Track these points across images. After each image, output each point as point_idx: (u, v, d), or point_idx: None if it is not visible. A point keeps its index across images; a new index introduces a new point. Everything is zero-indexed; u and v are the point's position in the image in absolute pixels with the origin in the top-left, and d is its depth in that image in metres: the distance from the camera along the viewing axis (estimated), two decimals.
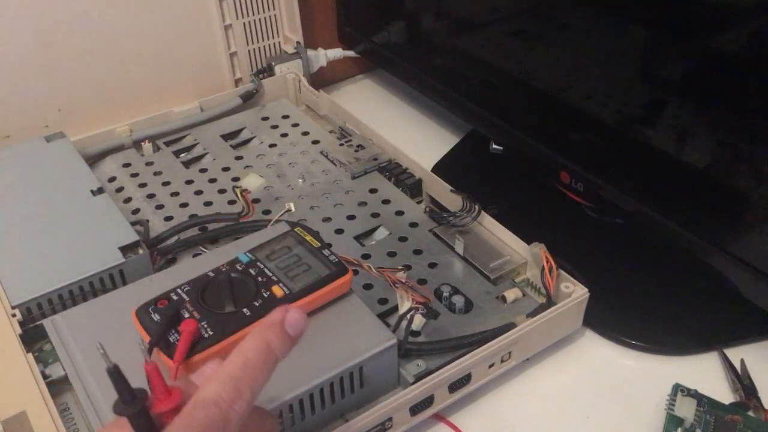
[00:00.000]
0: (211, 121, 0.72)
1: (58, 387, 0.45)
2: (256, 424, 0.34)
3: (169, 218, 0.60)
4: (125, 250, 0.51)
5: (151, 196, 0.62)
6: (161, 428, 0.30)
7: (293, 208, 0.56)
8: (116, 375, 0.30)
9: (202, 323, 0.41)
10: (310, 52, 0.79)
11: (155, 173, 0.65)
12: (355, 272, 0.50)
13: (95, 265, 0.50)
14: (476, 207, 0.56)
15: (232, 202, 0.62)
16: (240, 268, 0.44)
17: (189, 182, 0.64)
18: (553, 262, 0.50)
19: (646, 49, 0.50)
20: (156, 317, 0.41)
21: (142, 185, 0.64)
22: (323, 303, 0.45)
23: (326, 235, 0.57)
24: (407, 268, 0.53)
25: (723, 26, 0.44)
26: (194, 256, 0.55)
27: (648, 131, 0.52)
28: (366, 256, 0.55)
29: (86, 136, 0.67)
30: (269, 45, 0.78)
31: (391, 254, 0.55)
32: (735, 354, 0.51)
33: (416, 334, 0.48)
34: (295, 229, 0.48)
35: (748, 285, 0.48)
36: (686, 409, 0.46)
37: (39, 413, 0.41)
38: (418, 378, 0.45)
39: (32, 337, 0.47)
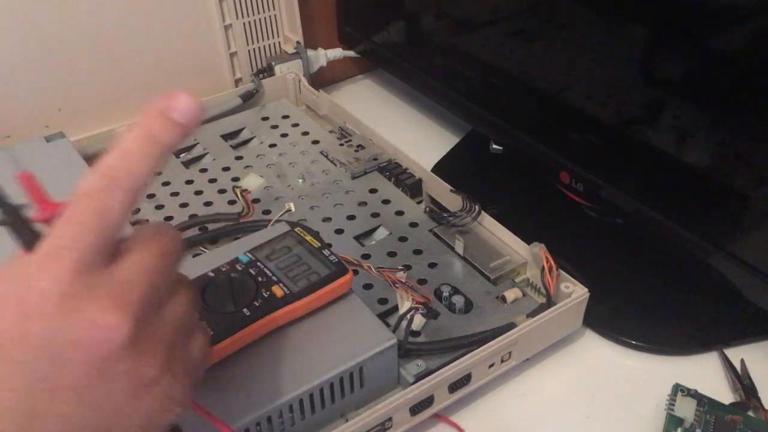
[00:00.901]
0: (211, 121, 0.72)
1: None
2: (153, 229, 0.31)
3: (169, 218, 0.60)
4: None
5: (151, 196, 0.62)
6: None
7: (293, 208, 0.56)
8: None
9: (202, 323, 0.41)
10: (310, 52, 0.79)
11: (155, 173, 0.65)
12: (355, 272, 0.50)
13: None
14: (476, 207, 0.55)
15: (232, 202, 0.62)
16: (240, 268, 0.44)
17: (189, 182, 0.64)
18: (553, 262, 0.50)
19: (646, 49, 0.50)
20: None
21: None
22: (323, 303, 0.45)
23: (326, 235, 0.57)
24: (407, 268, 0.53)
25: (723, 26, 0.44)
26: (194, 256, 0.55)
27: (648, 131, 0.52)
28: (366, 256, 0.55)
29: (86, 136, 0.67)
30: (269, 45, 0.78)
31: (391, 254, 0.55)
32: (735, 354, 0.51)
33: (416, 334, 0.48)
34: (295, 229, 0.48)
35: (749, 285, 0.48)
36: (686, 409, 0.46)
37: None
38: (418, 378, 0.45)
39: None
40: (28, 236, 0.29)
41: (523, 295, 0.52)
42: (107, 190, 0.28)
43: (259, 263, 0.45)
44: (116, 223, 0.28)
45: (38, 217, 0.29)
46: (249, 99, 0.74)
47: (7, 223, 0.28)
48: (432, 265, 0.54)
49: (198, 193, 0.63)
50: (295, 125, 0.72)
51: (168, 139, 0.30)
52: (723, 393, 0.48)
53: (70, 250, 0.27)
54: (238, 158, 0.67)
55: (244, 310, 0.42)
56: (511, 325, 0.48)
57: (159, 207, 0.61)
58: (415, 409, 0.44)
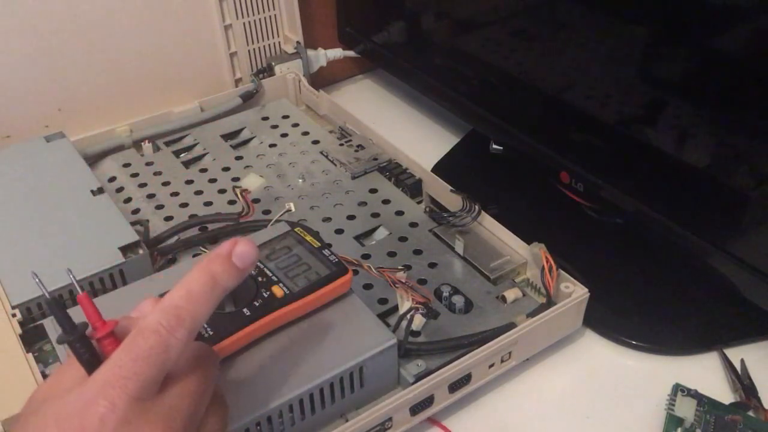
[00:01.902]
0: (211, 121, 0.72)
1: None
2: (197, 355, 0.34)
3: (169, 218, 0.60)
4: (125, 250, 0.51)
5: (151, 196, 0.62)
6: (103, 356, 0.31)
7: (293, 208, 0.56)
8: (55, 306, 0.32)
9: None
10: (310, 52, 0.79)
11: (155, 173, 0.65)
12: (355, 272, 0.50)
13: (95, 265, 0.50)
14: (476, 207, 0.55)
15: (232, 202, 0.62)
16: None
17: (189, 182, 0.64)
18: (553, 262, 0.50)
19: (646, 49, 0.50)
20: None
21: (142, 185, 0.64)
22: (323, 303, 0.45)
23: (326, 235, 0.57)
24: (407, 268, 0.53)
25: (723, 26, 0.44)
26: (194, 256, 0.55)
27: (648, 131, 0.52)
28: (366, 256, 0.55)
29: (86, 136, 0.67)
30: (269, 45, 0.78)
31: (391, 254, 0.55)
32: (735, 354, 0.51)
33: (416, 334, 0.48)
34: (295, 229, 0.48)
35: (748, 285, 0.48)
36: (686, 409, 0.46)
37: None
38: (418, 378, 0.45)
39: (32, 337, 0.46)
40: (86, 355, 0.32)
41: (523, 295, 0.52)
42: (172, 329, 0.31)
43: (259, 263, 0.45)
44: (175, 359, 0.31)
45: (93, 335, 0.32)
46: (249, 99, 0.74)
47: (68, 341, 0.32)
48: (432, 265, 0.54)
49: (198, 193, 0.63)
50: (295, 125, 0.72)
51: (228, 282, 0.34)
52: (723, 393, 0.48)
53: (131, 381, 0.30)
54: (238, 158, 0.67)
55: (244, 310, 0.42)
56: (511, 325, 0.48)
57: (159, 207, 0.61)
58: (415, 409, 0.45)
